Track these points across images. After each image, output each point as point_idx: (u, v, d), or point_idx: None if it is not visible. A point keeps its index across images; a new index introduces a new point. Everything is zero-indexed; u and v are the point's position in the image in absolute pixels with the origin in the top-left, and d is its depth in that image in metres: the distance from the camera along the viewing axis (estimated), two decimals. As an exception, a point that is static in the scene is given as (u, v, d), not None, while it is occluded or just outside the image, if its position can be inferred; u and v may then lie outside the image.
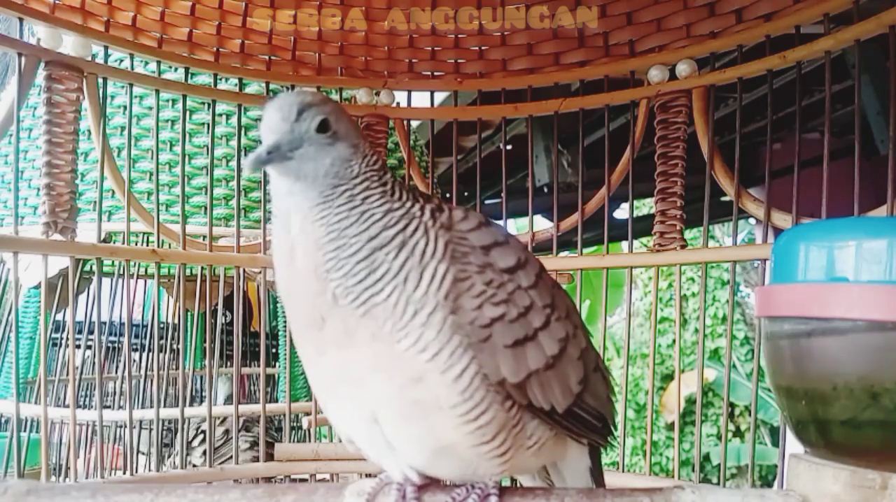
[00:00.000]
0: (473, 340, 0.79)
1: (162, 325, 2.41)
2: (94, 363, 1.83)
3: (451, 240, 0.81)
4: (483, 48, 1.83)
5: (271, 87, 1.80)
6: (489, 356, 0.79)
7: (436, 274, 0.79)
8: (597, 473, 1.04)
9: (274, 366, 3.07)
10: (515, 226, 6.22)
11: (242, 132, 1.80)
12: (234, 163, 2.05)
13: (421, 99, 1.89)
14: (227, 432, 2.39)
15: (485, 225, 0.86)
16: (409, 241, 0.80)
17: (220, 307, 2.19)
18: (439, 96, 1.94)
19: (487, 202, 4.97)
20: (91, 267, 1.71)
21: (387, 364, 0.78)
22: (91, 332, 1.95)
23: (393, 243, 0.79)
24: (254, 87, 1.98)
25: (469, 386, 0.78)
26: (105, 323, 2.42)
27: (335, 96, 1.87)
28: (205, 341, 2.03)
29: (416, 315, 0.77)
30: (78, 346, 2.37)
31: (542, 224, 2.03)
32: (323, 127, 0.83)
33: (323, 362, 0.83)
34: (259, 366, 1.98)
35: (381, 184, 0.84)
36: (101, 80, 1.57)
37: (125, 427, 1.64)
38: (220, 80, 1.78)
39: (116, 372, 2.98)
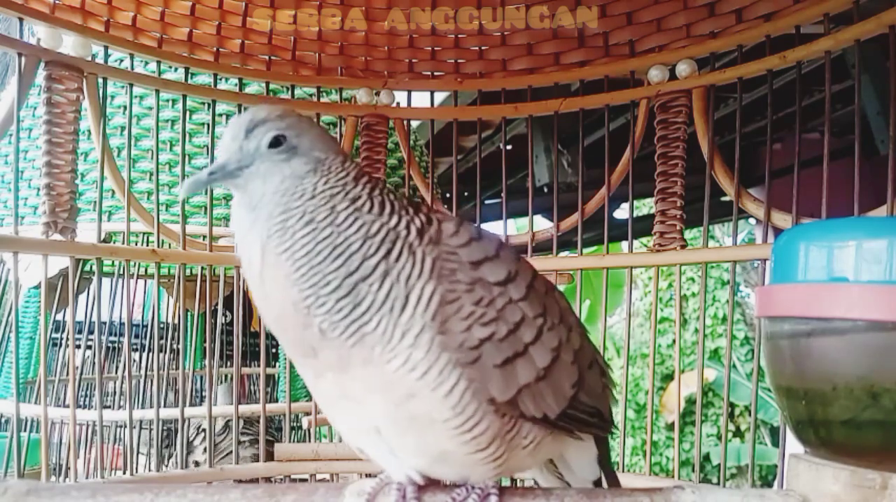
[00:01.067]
0: (463, 361, 0.78)
1: (162, 325, 2.41)
2: (94, 363, 1.82)
3: (438, 257, 0.79)
4: (483, 48, 1.83)
5: (271, 86, 1.80)
6: (479, 375, 0.79)
7: (422, 295, 0.77)
8: (605, 462, 1.04)
9: (274, 366, 3.07)
10: (515, 226, 6.23)
11: (242, 132, 1.79)
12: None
13: (421, 99, 1.89)
14: (227, 425, 2.39)
15: (476, 239, 0.84)
16: (394, 268, 0.77)
17: (220, 307, 2.19)
18: (439, 96, 1.94)
19: (487, 202, 4.97)
20: (91, 267, 1.70)
21: (380, 384, 0.78)
22: (91, 332, 1.94)
23: (376, 273, 0.76)
24: (254, 87, 1.98)
25: (460, 401, 0.78)
26: (105, 323, 2.42)
27: (335, 96, 1.87)
28: (205, 341, 2.03)
29: (405, 337, 0.76)
30: (78, 346, 2.37)
31: (542, 224, 2.03)
32: (276, 143, 0.80)
33: (322, 383, 0.83)
34: (259, 366, 1.98)
35: (349, 199, 0.79)
36: (101, 80, 1.57)
37: (125, 427, 1.64)
38: (220, 80, 1.78)
39: (116, 372, 2.98)
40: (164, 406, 2.03)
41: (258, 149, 0.81)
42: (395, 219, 0.80)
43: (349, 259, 0.76)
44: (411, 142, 1.94)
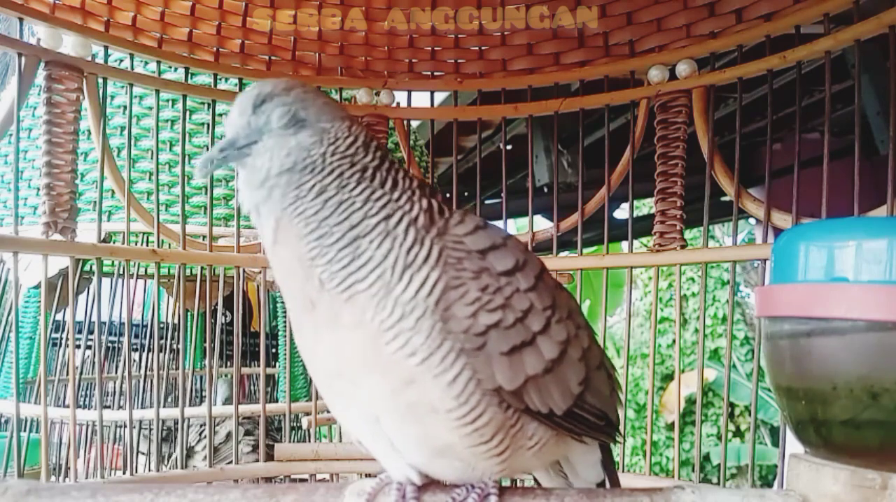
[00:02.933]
0: (467, 347, 0.77)
1: (162, 325, 2.41)
2: (94, 363, 1.82)
3: (445, 246, 0.80)
4: (483, 48, 1.83)
5: (271, 87, 1.80)
6: (484, 363, 0.78)
7: (426, 280, 0.77)
8: (608, 464, 1.03)
9: (274, 366, 3.08)
10: (515, 226, 6.23)
11: (242, 132, 1.79)
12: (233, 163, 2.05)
13: (421, 99, 1.89)
14: (228, 435, 2.39)
15: (482, 228, 0.84)
16: (393, 232, 0.79)
17: (220, 307, 2.19)
18: (439, 96, 1.94)
19: (487, 202, 4.97)
20: (91, 267, 1.71)
21: (378, 364, 0.78)
22: (91, 332, 1.95)
23: (375, 231, 0.78)
24: (254, 88, 1.98)
25: (463, 390, 0.77)
26: (105, 323, 2.42)
27: (335, 96, 1.87)
28: (205, 341, 2.03)
29: (404, 318, 0.76)
30: (78, 346, 2.38)
31: (542, 224, 2.03)
32: (283, 117, 0.81)
33: (318, 351, 0.82)
34: (259, 366, 1.98)
35: (356, 169, 0.81)
36: (101, 80, 1.57)
37: (125, 427, 1.64)
38: (220, 80, 1.78)
39: (116, 372, 2.98)
40: (165, 406, 2.03)
41: (267, 124, 0.82)
42: (397, 193, 0.82)
43: (352, 215, 0.79)
44: (411, 142, 1.94)
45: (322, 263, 0.78)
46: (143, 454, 2.24)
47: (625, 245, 1.83)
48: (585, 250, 1.76)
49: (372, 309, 0.77)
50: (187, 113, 1.73)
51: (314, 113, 0.82)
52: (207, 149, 1.89)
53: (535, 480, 1.09)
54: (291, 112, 0.81)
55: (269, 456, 1.76)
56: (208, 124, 1.80)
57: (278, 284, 0.85)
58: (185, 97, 1.70)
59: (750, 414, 1.66)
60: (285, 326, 2.49)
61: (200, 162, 0.84)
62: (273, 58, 1.78)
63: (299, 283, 0.80)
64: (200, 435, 2.51)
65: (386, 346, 0.76)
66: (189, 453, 2.46)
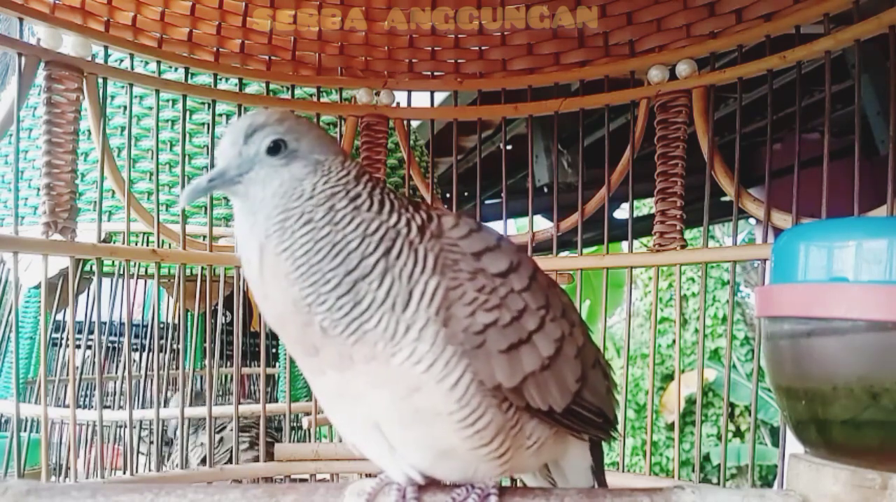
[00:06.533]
0: (467, 348, 0.78)
1: (162, 325, 2.41)
2: (94, 363, 1.82)
3: (441, 250, 0.80)
4: (483, 48, 1.83)
5: (271, 86, 1.80)
6: (484, 362, 0.79)
7: (426, 290, 0.77)
8: (598, 471, 1.04)
9: (274, 366, 3.07)
10: (515, 226, 6.23)
11: (242, 132, 1.79)
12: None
13: (421, 99, 1.89)
14: (221, 440, 2.38)
15: (476, 231, 0.85)
16: (394, 266, 0.77)
17: (220, 307, 2.19)
18: (439, 96, 1.94)
19: (487, 202, 4.97)
20: (91, 267, 1.70)
21: (385, 379, 0.78)
22: (91, 332, 1.95)
23: (375, 271, 0.76)
24: (254, 87, 1.98)
25: (465, 393, 0.78)
26: (105, 323, 2.42)
27: (335, 96, 1.87)
28: (205, 341, 2.03)
29: (409, 331, 0.76)
30: (78, 346, 2.37)
31: (542, 224, 2.03)
32: (275, 148, 0.80)
33: (322, 379, 0.83)
34: (259, 366, 1.98)
35: (349, 199, 0.79)
36: (101, 80, 1.57)
37: (125, 427, 1.64)
38: (220, 80, 1.78)
39: (116, 372, 2.98)
40: (165, 406, 2.03)
41: (257, 155, 0.80)
42: (394, 218, 0.80)
43: (348, 257, 0.77)
44: (411, 142, 1.94)
45: (321, 311, 0.76)
46: (143, 454, 2.24)
47: (625, 245, 1.83)
48: (585, 250, 1.76)
49: (381, 340, 0.77)
50: (187, 113, 1.73)
51: (307, 145, 0.82)
52: (208, 149, 1.90)
53: (523, 483, 1.09)
54: (282, 143, 0.80)
55: (270, 456, 1.77)
56: (208, 124, 1.80)
57: (268, 322, 0.82)
58: (185, 97, 1.70)
59: (750, 414, 1.66)
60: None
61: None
62: (273, 58, 1.78)
63: (297, 328, 0.78)
64: (196, 443, 2.50)
65: (392, 358, 0.77)
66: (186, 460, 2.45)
